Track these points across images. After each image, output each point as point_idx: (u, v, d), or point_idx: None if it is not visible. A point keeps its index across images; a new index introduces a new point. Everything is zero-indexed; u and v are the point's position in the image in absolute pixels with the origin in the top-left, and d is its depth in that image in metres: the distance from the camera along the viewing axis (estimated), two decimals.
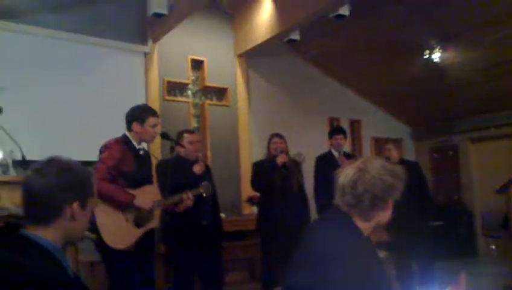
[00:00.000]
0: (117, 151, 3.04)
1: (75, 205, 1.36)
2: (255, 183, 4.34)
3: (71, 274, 1.35)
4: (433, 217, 5.59)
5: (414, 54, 6.51)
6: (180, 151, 3.80)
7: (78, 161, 1.44)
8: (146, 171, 3.27)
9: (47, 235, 1.32)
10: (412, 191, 4.28)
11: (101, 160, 3.01)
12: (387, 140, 4.92)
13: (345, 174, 1.66)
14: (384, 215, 1.68)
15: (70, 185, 1.36)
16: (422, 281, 4.35)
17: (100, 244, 2.92)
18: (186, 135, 3.88)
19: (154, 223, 3.15)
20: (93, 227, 2.84)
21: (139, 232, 3.03)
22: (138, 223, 3.04)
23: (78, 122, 5.03)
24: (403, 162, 4.64)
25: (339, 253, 1.54)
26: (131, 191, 3.04)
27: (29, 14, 4.91)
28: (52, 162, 1.38)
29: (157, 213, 3.17)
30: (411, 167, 4.62)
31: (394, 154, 4.57)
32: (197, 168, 3.80)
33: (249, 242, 5.00)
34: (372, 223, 1.67)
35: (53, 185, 1.33)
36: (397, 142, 4.76)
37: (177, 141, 3.65)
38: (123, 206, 2.95)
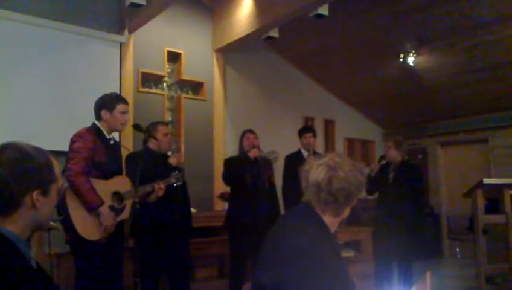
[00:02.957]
0: (90, 141, 2.98)
1: (35, 194, 1.26)
2: (226, 178, 4.33)
3: (34, 266, 1.30)
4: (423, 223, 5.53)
5: (390, 56, 6.61)
6: (152, 144, 3.73)
7: (48, 150, 1.36)
8: (116, 161, 3.22)
9: (8, 226, 1.26)
10: (406, 194, 4.29)
11: (76, 150, 2.94)
12: (390, 138, 4.66)
13: (317, 171, 1.67)
14: (348, 211, 1.74)
15: (28, 173, 1.26)
16: (400, 280, 4.38)
17: (70, 235, 2.87)
18: (161, 127, 3.79)
19: (125, 214, 3.12)
20: (66, 218, 2.80)
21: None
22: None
23: (49, 111, 4.91)
24: (404, 163, 4.50)
25: (308, 250, 1.55)
26: (104, 182, 3.00)
27: None
28: (6, 149, 1.26)
29: (128, 204, 3.13)
30: (411, 170, 4.57)
31: (392, 153, 4.43)
32: (173, 160, 3.80)
33: (219, 238, 4.98)
34: (339, 218, 1.72)
35: (8, 175, 1.23)
36: (399, 141, 4.48)
37: (151, 133, 3.60)
38: (89, 208, 2.87)
